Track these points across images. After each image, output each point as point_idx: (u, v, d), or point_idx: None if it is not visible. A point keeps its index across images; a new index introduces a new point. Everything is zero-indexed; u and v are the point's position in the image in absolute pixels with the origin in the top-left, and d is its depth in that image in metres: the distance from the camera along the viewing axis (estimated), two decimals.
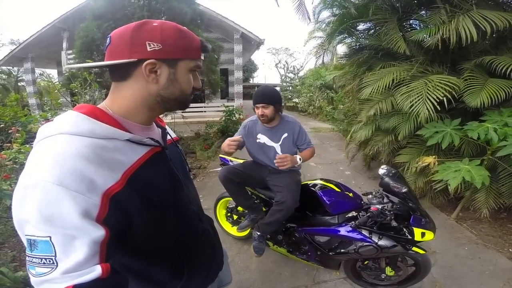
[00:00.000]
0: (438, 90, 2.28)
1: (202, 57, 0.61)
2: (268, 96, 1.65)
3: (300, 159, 1.70)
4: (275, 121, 1.75)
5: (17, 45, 9.78)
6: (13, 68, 13.47)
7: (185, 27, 0.58)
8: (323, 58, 7.57)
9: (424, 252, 1.51)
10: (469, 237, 2.44)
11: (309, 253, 1.77)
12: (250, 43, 9.46)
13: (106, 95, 0.68)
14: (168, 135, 0.71)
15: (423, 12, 3.15)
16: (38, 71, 12.32)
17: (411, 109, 2.37)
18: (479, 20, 2.15)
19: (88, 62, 3.11)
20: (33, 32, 8.63)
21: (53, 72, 13.39)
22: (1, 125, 2.82)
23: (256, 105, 1.66)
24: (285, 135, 1.77)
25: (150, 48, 0.52)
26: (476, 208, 2.45)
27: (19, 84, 14.75)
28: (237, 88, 9.29)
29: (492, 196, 2.38)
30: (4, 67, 12.68)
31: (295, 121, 1.82)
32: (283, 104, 1.78)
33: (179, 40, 0.55)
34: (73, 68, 0.54)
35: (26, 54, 9.45)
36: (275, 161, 1.60)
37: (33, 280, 0.41)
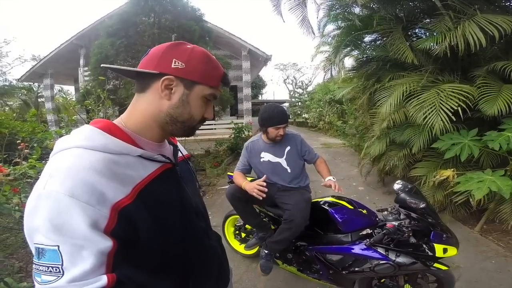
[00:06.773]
0: (451, 99, 2.21)
1: (221, 90, 0.63)
2: (286, 115, 1.68)
3: (333, 178, 1.68)
4: None
5: (38, 61, 10.05)
6: (34, 84, 13.97)
7: (214, 56, 0.61)
8: (331, 72, 7.56)
9: (446, 268, 1.40)
10: (495, 249, 2.28)
11: (321, 272, 1.68)
12: (258, 59, 9.59)
13: (120, 112, 0.69)
14: (179, 152, 0.73)
15: (427, 20, 3.11)
16: (57, 87, 12.79)
17: (425, 121, 2.29)
18: (485, 25, 2.10)
19: (102, 78, 3.27)
20: (52, 49, 8.81)
21: (71, 89, 13.93)
22: (18, 141, 2.90)
23: (278, 126, 1.65)
24: (288, 148, 1.76)
25: (174, 66, 0.56)
26: (502, 219, 2.31)
27: (39, 100, 15.24)
28: (246, 105, 9.29)
29: None
30: (25, 83, 13.17)
31: (295, 133, 1.82)
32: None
33: (203, 64, 0.58)
34: (109, 68, 0.59)
35: (45, 70, 9.68)
36: (339, 192, 1.58)
37: None
